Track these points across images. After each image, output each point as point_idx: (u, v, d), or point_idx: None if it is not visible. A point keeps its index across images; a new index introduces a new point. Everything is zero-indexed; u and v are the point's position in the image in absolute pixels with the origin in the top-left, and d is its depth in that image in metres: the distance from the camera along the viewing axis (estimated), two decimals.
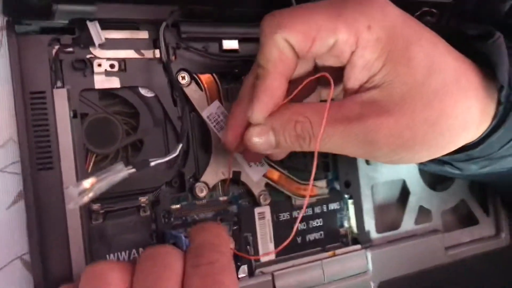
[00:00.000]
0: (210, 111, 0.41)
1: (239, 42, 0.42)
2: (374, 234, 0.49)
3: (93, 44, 0.36)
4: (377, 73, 0.31)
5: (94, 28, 0.36)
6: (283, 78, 0.33)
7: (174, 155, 0.34)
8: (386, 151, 0.32)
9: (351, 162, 0.48)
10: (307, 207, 0.46)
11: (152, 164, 0.32)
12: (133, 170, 0.31)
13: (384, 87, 0.31)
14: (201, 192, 0.40)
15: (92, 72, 0.36)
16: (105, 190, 0.29)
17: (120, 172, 0.29)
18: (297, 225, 0.34)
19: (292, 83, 0.35)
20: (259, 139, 0.34)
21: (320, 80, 0.36)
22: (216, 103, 0.42)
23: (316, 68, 0.37)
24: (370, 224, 0.49)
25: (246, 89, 0.36)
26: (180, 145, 0.35)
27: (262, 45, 0.33)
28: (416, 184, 0.53)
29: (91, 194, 0.28)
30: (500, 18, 0.39)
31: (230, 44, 0.42)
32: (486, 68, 0.35)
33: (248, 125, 0.35)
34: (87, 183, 0.28)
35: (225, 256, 0.31)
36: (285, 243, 0.36)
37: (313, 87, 0.39)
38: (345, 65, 0.33)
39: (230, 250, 0.32)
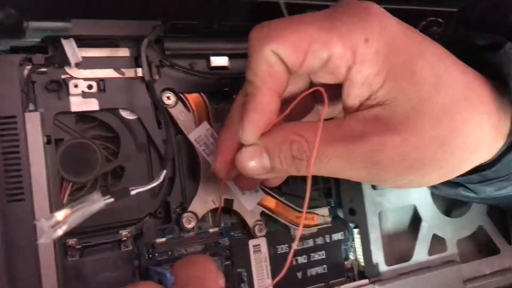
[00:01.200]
0: (198, 134, 0.41)
1: (229, 58, 0.43)
2: (383, 267, 0.48)
3: (68, 64, 0.36)
4: (379, 90, 0.31)
5: (69, 46, 0.36)
6: (274, 95, 0.33)
7: (158, 182, 0.34)
8: (392, 174, 0.32)
9: (356, 187, 0.48)
10: (308, 238, 0.46)
11: (133, 193, 0.32)
12: (111, 199, 0.31)
13: (388, 104, 0.31)
14: (189, 223, 0.40)
15: (68, 93, 0.37)
16: (80, 222, 0.29)
17: (97, 202, 0.29)
18: (291, 256, 0.33)
19: (287, 102, 0.35)
20: (252, 162, 0.34)
21: (317, 98, 0.36)
22: (205, 124, 0.42)
23: (312, 86, 0.37)
24: (378, 255, 0.48)
25: (236, 109, 0.36)
26: (165, 171, 0.35)
27: (250, 58, 0.33)
28: (428, 210, 0.52)
29: (64, 227, 0.27)
30: (508, 28, 0.40)
31: (219, 60, 0.42)
32: (497, 81, 0.35)
33: (239, 147, 0.35)
34: (60, 215, 0.28)
35: None
36: (279, 277, 0.34)
37: (310, 105, 0.39)
38: (343, 82, 0.33)
39: (219, 285, 0.32)
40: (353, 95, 0.33)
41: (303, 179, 0.44)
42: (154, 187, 0.38)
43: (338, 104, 0.37)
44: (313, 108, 0.40)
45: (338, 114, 0.39)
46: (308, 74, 0.36)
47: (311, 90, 0.34)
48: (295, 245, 0.34)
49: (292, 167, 0.33)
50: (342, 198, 0.47)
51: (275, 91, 0.33)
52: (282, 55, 0.32)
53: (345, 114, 0.34)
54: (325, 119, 0.36)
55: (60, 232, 0.27)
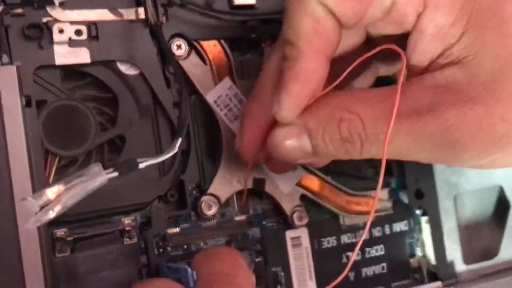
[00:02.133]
0: (218, 93, 0.41)
1: None
2: (460, 266, 0.48)
3: (51, 3, 0.36)
4: (456, 44, 0.31)
5: None
6: (321, 59, 0.33)
7: (172, 152, 0.34)
8: (472, 153, 0.31)
9: (424, 163, 0.47)
10: (361, 229, 0.45)
11: (142, 166, 0.32)
12: (115, 174, 0.30)
13: (467, 63, 0.31)
14: (209, 209, 0.40)
15: (51, 41, 0.36)
16: (76, 202, 0.29)
17: (97, 177, 0.29)
18: (355, 255, 0.33)
19: (335, 63, 0.34)
20: (288, 145, 0.34)
21: (375, 54, 0.36)
22: (227, 81, 0.41)
23: (368, 39, 0.37)
24: (454, 251, 0.48)
25: (268, 74, 0.36)
26: (180, 140, 0.34)
27: (288, 12, 0.33)
28: None
29: (58, 208, 0.27)
30: None
31: None
32: None
33: (273, 125, 0.35)
34: (51, 192, 0.27)
35: None
36: (335, 283, 0.35)
37: (364, 64, 0.38)
38: (409, 33, 0.33)
39: (251, 282, 0.32)
40: (422, 51, 0.32)
41: None
42: (164, 161, 0.38)
43: (398, 63, 0.37)
44: (367, 69, 0.39)
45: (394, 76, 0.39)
46: (365, 26, 0.35)
47: (377, 49, 0.33)
48: (363, 237, 0.33)
49: (340, 151, 0.33)
50: (406, 177, 0.47)
51: (323, 53, 0.33)
52: (332, 6, 0.31)
53: (408, 78, 0.34)
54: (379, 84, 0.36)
55: (52, 214, 0.27)
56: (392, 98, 0.31)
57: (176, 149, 0.34)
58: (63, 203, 0.28)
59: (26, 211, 0.30)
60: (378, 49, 0.33)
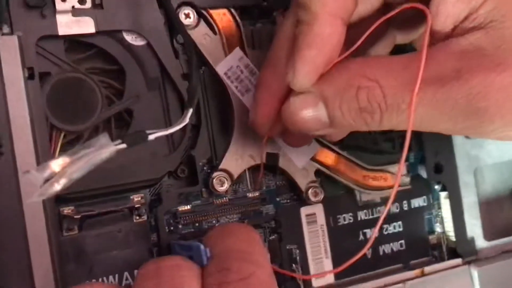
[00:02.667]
0: (228, 65, 0.40)
1: None
2: (481, 243, 0.47)
3: None
4: (481, 7, 0.31)
5: None
6: (337, 23, 0.32)
7: (183, 124, 0.33)
8: (499, 123, 0.31)
9: (443, 136, 0.47)
10: (379, 205, 0.45)
11: (151, 137, 0.31)
12: (123, 145, 0.29)
13: (493, 28, 0.30)
14: (221, 185, 0.39)
15: (54, 10, 0.35)
16: (83, 174, 0.28)
17: (105, 148, 0.28)
18: (376, 231, 0.32)
19: (351, 28, 0.33)
20: (304, 115, 0.33)
21: (393, 19, 0.35)
22: (237, 52, 0.40)
23: (386, 4, 0.35)
24: (474, 227, 0.47)
25: (282, 42, 0.35)
26: (191, 110, 0.33)
27: None
28: None
29: (63, 180, 0.26)
30: None
31: None
32: None
33: (288, 94, 0.34)
34: (56, 164, 0.26)
35: (263, 268, 0.29)
36: (353, 260, 0.34)
37: (381, 31, 0.38)
38: None
39: (267, 259, 0.31)
40: (445, 15, 0.31)
41: None
42: (173, 134, 0.38)
43: (418, 29, 0.36)
44: (385, 35, 0.38)
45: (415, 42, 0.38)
46: None
47: (397, 10, 0.32)
48: (385, 213, 0.33)
49: (359, 121, 0.32)
50: (425, 151, 0.46)
51: (339, 17, 0.32)
52: None
53: (431, 43, 0.33)
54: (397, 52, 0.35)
55: (57, 187, 0.26)
56: (414, 65, 0.30)
57: (187, 120, 0.33)
58: (69, 176, 0.26)
59: (30, 186, 0.30)
60: (400, 8, 0.32)
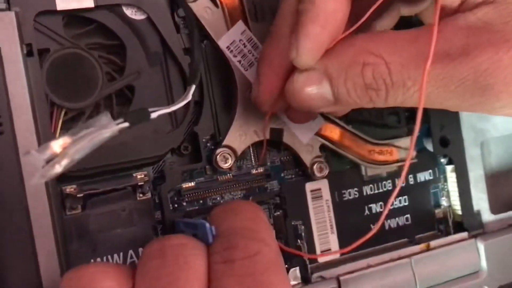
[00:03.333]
0: (231, 39, 0.39)
1: None
2: (487, 216, 0.47)
3: None
4: None
5: None
6: None
7: (186, 101, 0.33)
8: (507, 100, 0.30)
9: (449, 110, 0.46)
10: (385, 179, 0.45)
11: (153, 115, 0.31)
12: (126, 124, 0.29)
13: (501, 2, 0.30)
14: (225, 162, 0.39)
15: None
16: (85, 155, 0.27)
17: (106, 127, 0.27)
18: (388, 208, 0.32)
19: (355, 2, 0.33)
20: (308, 92, 0.33)
21: None
22: (240, 25, 0.39)
23: None
24: (480, 201, 0.47)
25: (285, 16, 0.35)
26: (193, 87, 0.33)
27: None
28: None
29: (64, 161, 0.26)
30: None
31: None
32: None
33: (291, 71, 0.34)
34: (57, 145, 0.26)
35: (269, 246, 0.29)
36: (365, 238, 0.33)
37: (386, 3, 0.37)
38: None
39: (273, 237, 0.31)
40: None
41: None
42: (176, 112, 0.38)
43: (421, 3, 0.35)
44: (390, 7, 0.38)
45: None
46: None
47: None
48: (398, 188, 0.32)
49: (364, 98, 0.32)
50: (431, 124, 0.46)
51: None
52: None
53: (438, 20, 0.32)
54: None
55: (59, 168, 0.26)
56: (420, 41, 0.30)
57: (190, 97, 0.33)
58: (70, 156, 0.26)
59: (31, 166, 0.30)
60: None
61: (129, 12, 0.37)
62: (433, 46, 0.29)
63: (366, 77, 0.31)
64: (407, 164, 0.31)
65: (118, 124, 0.29)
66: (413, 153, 0.45)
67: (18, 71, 0.33)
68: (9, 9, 0.33)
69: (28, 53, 0.34)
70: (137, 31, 0.37)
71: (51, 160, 0.26)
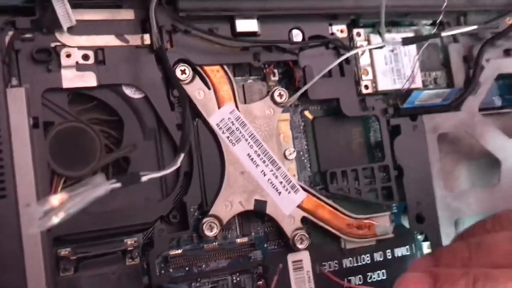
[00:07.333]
0: (220, 117, 0.42)
1: (259, 21, 0.43)
2: None
3: (60, 28, 0.37)
4: None
5: (61, 7, 0.37)
6: None
7: (174, 167, 0.34)
8: None
9: (424, 187, 0.48)
10: (364, 253, 0.46)
11: (144, 179, 0.33)
12: (118, 184, 0.31)
13: None
14: (211, 230, 0.40)
15: (59, 65, 0.38)
16: (79, 209, 0.29)
17: (100, 186, 0.30)
18: None
19: None
20: None
21: None
22: (229, 105, 0.42)
23: None
24: None
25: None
26: (182, 155, 0.35)
27: None
28: None
29: (61, 214, 0.28)
30: None
31: (246, 24, 0.43)
32: None
33: None
34: (55, 199, 0.28)
35: None
36: None
37: None
38: None
39: None
40: None
41: (356, 174, 0.46)
42: (166, 182, 0.40)
43: None
44: None
45: None
46: None
47: None
48: None
49: None
50: (407, 201, 0.47)
51: None
52: None
53: None
54: None
55: (55, 220, 0.28)
56: None
57: (178, 164, 0.35)
58: (66, 210, 0.28)
59: (30, 217, 0.31)
60: None
61: (128, 91, 0.40)
62: None
63: None
64: None
65: (111, 184, 0.31)
66: (386, 227, 0.46)
67: (24, 141, 0.35)
68: (20, 85, 0.36)
69: (34, 125, 0.36)
70: (135, 108, 0.40)
71: (49, 212, 0.28)
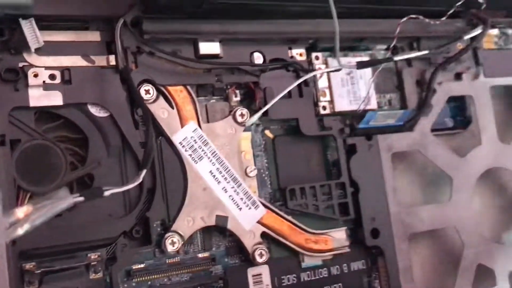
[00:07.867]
0: (183, 135, 0.43)
1: (221, 44, 0.45)
2: None
3: (28, 49, 0.38)
4: None
5: (29, 28, 0.38)
6: None
7: (137, 182, 0.35)
8: None
9: (379, 203, 0.49)
10: (320, 267, 0.47)
11: (107, 193, 0.34)
12: (81, 198, 0.32)
13: None
14: (173, 245, 0.41)
15: (27, 85, 0.38)
16: (43, 222, 0.30)
17: (64, 200, 0.31)
18: None
19: None
20: None
21: None
22: (192, 124, 0.43)
23: None
24: None
25: None
26: (144, 171, 0.36)
27: None
28: (472, 233, 0.53)
29: (26, 226, 0.29)
30: None
31: (209, 47, 0.45)
32: None
33: None
34: (20, 212, 0.29)
35: None
36: None
37: None
38: None
39: None
40: None
41: (314, 191, 0.47)
42: (130, 198, 0.41)
43: None
44: None
45: None
46: None
47: None
48: None
49: None
50: (362, 216, 0.49)
51: None
52: None
53: None
54: None
55: (20, 231, 0.29)
56: None
57: (140, 179, 0.36)
58: (31, 222, 0.29)
59: None
60: None
61: (93, 110, 0.41)
62: None
63: None
64: None
65: (74, 198, 0.32)
66: (342, 241, 0.48)
67: None
68: None
69: (1, 142, 0.37)
70: (100, 126, 0.41)
71: (14, 224, 0.29)
